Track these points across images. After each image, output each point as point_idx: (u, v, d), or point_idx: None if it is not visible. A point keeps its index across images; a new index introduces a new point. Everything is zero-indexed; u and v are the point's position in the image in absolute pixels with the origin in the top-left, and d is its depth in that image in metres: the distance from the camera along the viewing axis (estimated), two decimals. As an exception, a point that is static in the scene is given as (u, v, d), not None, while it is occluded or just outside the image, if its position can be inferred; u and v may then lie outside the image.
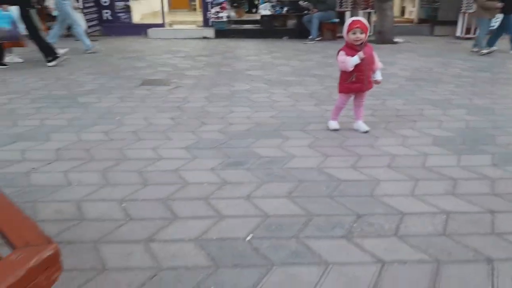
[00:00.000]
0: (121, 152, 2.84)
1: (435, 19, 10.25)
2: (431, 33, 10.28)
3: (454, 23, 9.68)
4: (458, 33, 9.57)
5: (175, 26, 11.00)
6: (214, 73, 5.69)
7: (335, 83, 4.83)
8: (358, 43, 2.96)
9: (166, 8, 11.46)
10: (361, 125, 3.23)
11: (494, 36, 7.65)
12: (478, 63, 6.38)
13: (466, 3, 9.20)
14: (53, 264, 1.01)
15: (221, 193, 2.26)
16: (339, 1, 9.45)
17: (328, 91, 4.58)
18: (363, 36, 2.94)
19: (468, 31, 9.41)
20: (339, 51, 3.06)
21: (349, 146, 2.91)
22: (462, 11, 9.34)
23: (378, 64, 3.14)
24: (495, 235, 1.84)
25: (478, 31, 7.67)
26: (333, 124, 3.27)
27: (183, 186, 2.34)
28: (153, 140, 3.06)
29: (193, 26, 10.77)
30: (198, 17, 11.64)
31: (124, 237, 1.85)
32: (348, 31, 2.96)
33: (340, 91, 3.19)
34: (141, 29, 10.09)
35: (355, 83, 3.06)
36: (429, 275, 1.58)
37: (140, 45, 8.51)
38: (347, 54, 2.98)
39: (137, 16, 10.88)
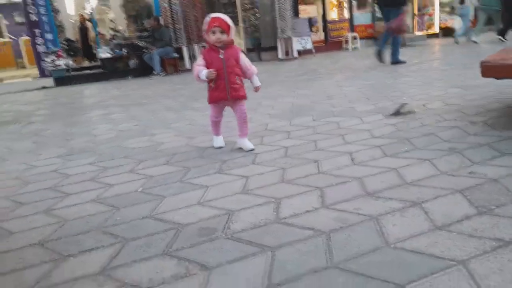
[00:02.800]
0: (-11, 170, 2.83)
1: (260, 46, 11.99)
2: (260, 59, 11.97)
3: (275, 48, 11.52)
4: (280, 56, 11.38)
5: (6, 81, 10.30)
6: (65, 109, 5.71)
7: (188, 100, 5.45)
8: (220, 44, 2.58)
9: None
10: (246, 143, 2.76)
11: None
12: (297, 72, 7.85)
13: (280, 32, 11.09)
14: None
15: (105, 174, 2.53)
16: (175, 37, 10.31)
17: (181, 105, 5.14)
18: (224, 36, 2.54)
19: (287, 53, 11.29)
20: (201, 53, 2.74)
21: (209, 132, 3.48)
22: (278, 37, 11.21)
23: (253, 68, 2.80)
24: (318, 150, 2.60)
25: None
26: (217, 141, 2.88)
27: (66, 177, 2.54)
28: (22, 158, 3.11)
29: (28, 79, 10.25)
30: (32, 71, 11.11)
31: (22, 214, 2.00)
32: (207, 31, 2.58)
33: (208, 102, 2.76)
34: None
35: (215, 91, 2.65)
36: (279, 175, 2.19)
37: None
38: (205, 58, 2.62)
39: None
